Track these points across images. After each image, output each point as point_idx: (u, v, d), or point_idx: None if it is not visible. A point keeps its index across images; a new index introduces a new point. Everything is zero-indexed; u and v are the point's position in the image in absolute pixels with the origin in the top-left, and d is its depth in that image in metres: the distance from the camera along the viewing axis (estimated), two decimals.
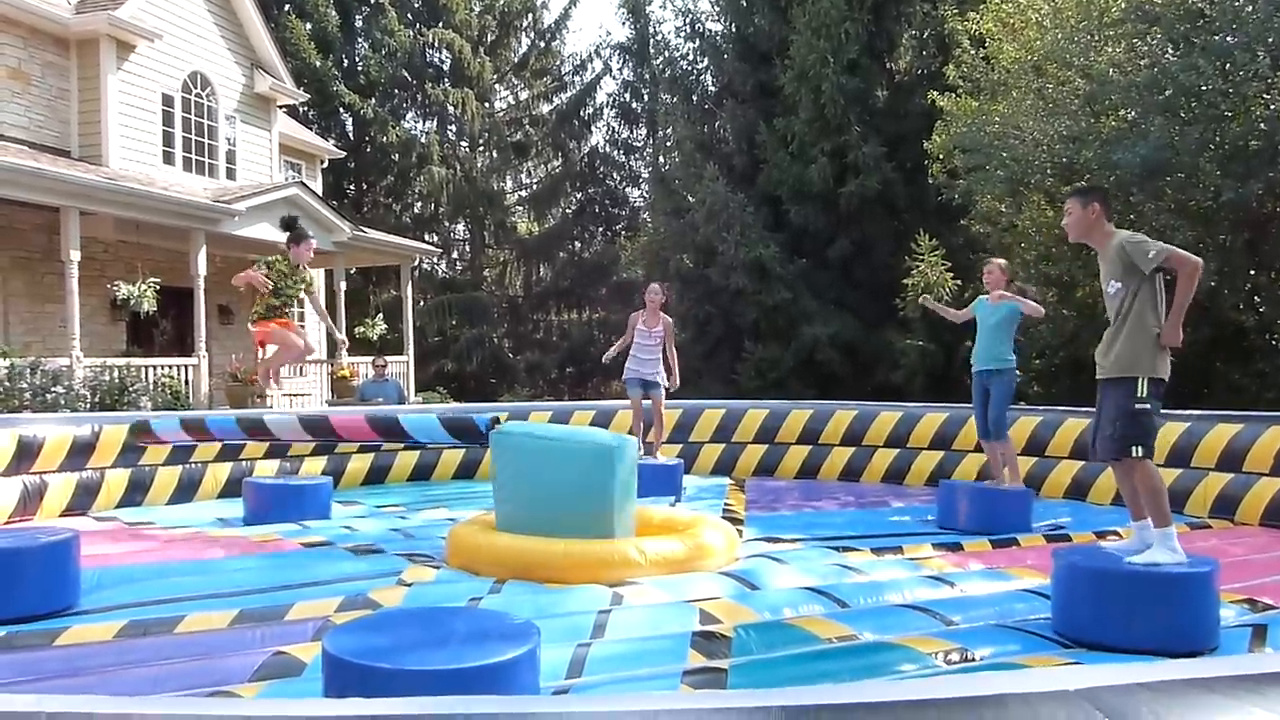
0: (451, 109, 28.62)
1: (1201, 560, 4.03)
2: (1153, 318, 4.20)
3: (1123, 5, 11.96)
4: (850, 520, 7.16)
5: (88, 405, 11.00)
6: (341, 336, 8.42)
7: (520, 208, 32.14)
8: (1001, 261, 7.21)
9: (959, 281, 15.43)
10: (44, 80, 13.34)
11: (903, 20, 19.87)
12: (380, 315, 18.17)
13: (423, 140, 28.45)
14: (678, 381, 9.01)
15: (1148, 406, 4.16)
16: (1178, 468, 7.42)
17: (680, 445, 10.04)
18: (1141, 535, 4.24)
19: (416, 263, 21.89)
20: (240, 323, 16.59)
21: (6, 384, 10.40)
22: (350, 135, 28.73)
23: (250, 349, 16.28)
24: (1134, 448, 4.15)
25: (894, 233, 19.01)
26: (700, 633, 3.84)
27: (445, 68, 29.45)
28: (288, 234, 7.81)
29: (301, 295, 7.79)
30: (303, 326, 7.95)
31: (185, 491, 8.18)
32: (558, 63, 31.72)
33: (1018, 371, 7.18)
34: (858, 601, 4.45)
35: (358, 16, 28.61)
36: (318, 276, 18.52)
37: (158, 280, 13.03)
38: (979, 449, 8.00)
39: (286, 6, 27.10)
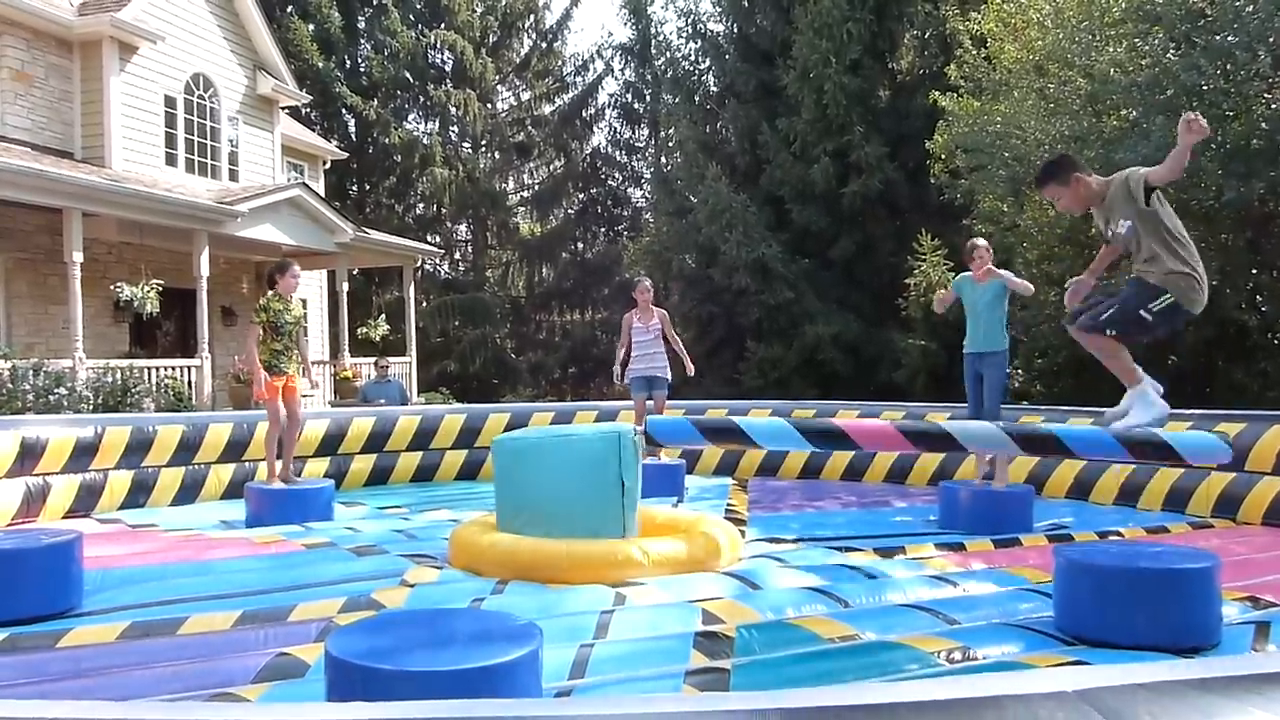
0: (454, 110, 28.63)
1: (1203, 555, 4.03)
2: (1175, 233, 4.05)
3: (1124, 5, 11.95)
4: (852, 520, 7.16)
5: (91, 407, 11.02)
6: (314, 379, 8.23)
7: (522, 208, 32.14)
8: (983, 241, 7.20)
9: None
10: (47, 82, 13.36)
11: (904, 20, 19.87)
12: (383, 316, 18.18)
13: (425, 141, 28.45)
14: (691, 368, 9.08)
15: (1150, 320, 4.03)
16: (1180, 466, 7.41)
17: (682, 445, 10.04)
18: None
19: (419, 263, 21.90)
20: (243, 324, 16.61)
21: (10, 385, 10.42)
22: (353, 136, 28.75)
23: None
24: (1109, 329, 4.05)
25: (896, 232, 19.02)
26: (703, 633, 3.84)
27: (447, 69, 29.46)
28: (271, 274, 7.62)
29: (298, 325, 7.65)
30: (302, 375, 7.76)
31: (188, 493, 8.20)
32: (559, 63, 31.73)
33: (1018, 370, 7.18)
34: (860, 601, 4.46)
35: (360, 18, 28.62)
36: (320, 277, 18.58)
37: (160, 281, 13.05)
38: None
39: (289, 8, 27.13)
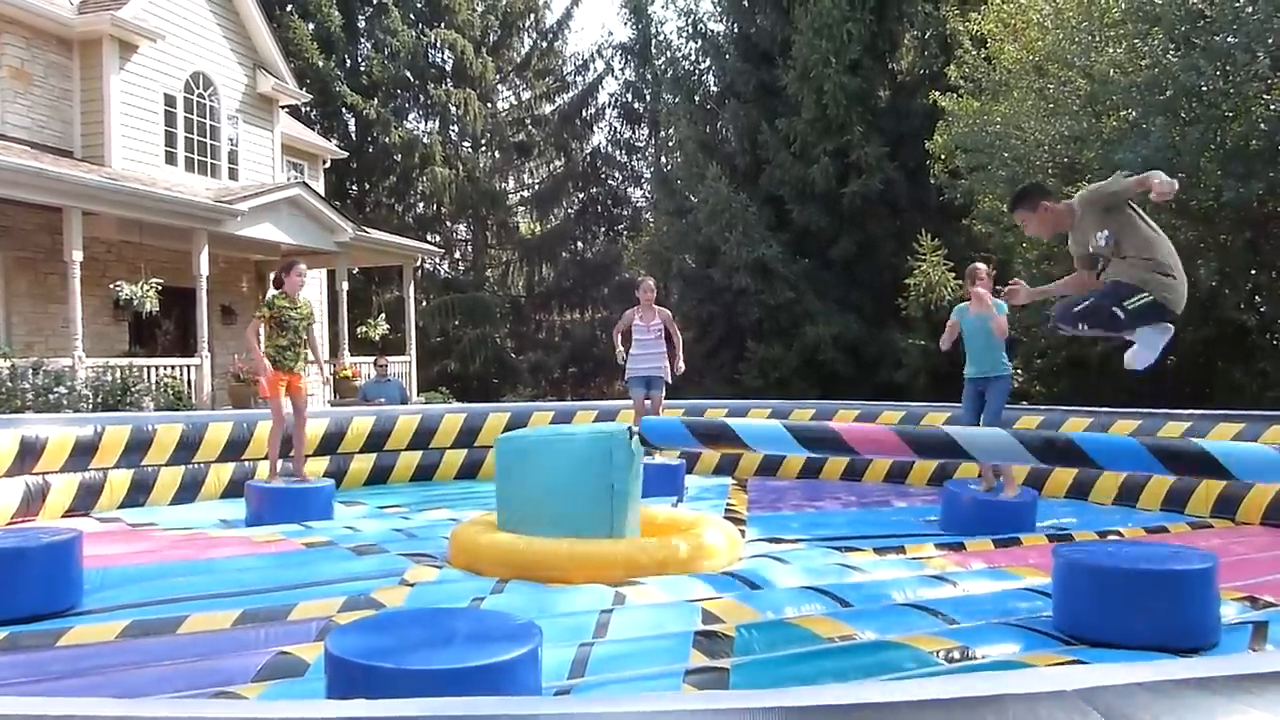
0: (454, 109, 28.62)
1: (1201, 556, 4.03)
2: (1151, 235, 4.10)
3: (1123, 6, 11.97)
4: (852, 520, 7.16)
5: (90, 406, 11.01)
6: (326, 376, 8.33)
7: (522, 208, 32.13)
8: (982, 266, 7.21)
9: (960, 281, 15.42)
10: (46, 80, 13.35)
11: (904, 20, 19.87)
12: (382, 315, 18.17)
13: (425, 140, 28.43)
14: (682, 366, 8.94)
15: (1122, 318, 4.05)
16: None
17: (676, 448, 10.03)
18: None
19: (419, 263, 21.89)
20: (242, 323, 16.59)
21: (9, 384, 10.42)
22: (352, 135, 28.72)
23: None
24: (1081, 321, 4.09)
25: (896, 232, 19.02)
26: (702, 632, 3.84)
27: (447, 68, 29.44)
28: (275, 275, 7.82)
29: (305, 322, 7.68)
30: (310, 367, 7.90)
31: (188, 492, 8.19)
32: (560, 63, 31.72)
33: (1018, 370, 7.17)
34: (860, 601, 4.46)
35: (360, 17, 28.60)
36: (320, 277, 18.56)
37: (160, 280, 13.04)
38: None
39: (289, 6, 27.10)
